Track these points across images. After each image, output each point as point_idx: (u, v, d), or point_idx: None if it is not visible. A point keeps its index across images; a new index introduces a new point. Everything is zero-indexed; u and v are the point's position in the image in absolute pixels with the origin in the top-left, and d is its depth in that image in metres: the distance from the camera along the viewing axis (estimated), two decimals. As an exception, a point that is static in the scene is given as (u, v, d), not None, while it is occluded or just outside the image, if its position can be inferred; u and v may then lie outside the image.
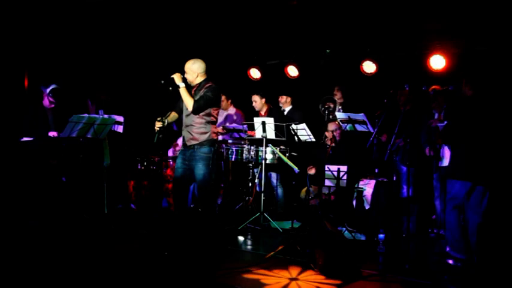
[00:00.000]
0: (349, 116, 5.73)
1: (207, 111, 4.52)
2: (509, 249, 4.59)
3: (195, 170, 4.50)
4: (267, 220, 5.70)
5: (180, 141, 7.24)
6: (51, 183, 5.66)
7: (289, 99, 6.93)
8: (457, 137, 4.37)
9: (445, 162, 5.05)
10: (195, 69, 4.58)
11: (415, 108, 5.64)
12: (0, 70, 6.25)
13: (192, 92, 4.57)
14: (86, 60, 7.23)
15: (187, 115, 4.58)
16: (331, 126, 5.94)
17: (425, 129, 5.34)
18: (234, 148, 6.11)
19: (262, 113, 6.52)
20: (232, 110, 7.26)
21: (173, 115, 4.73)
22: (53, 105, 5.84)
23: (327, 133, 5.99)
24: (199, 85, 4.58)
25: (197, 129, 4.52)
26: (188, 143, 4.55)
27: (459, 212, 4.34)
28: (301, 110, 6.89)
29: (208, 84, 4.56)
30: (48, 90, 5.81)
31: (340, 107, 6.67)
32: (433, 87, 5.25)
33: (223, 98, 7.20)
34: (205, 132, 4.53)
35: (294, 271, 4.02)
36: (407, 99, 5.53)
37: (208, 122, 4.55)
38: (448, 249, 4.48)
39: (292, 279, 3.83)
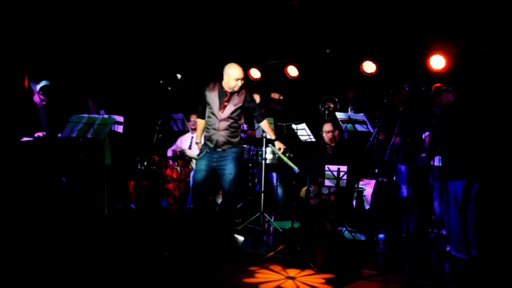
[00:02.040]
0: (349, 116, 5.73)
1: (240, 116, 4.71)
2: (509, 247, 4.59)
3: (226, 169, 4.55)
4: (267, 220, 5.70)
5: (180, 141, 7.25)
6: (51, 183, 5.65)
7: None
8: (443, 143, 4.45)
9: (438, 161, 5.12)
10: None
11: (414, 108, 5.64)
12: (0, 70, 6.25)
13: (227, 97, 4.60)
14: (86, 60, 7.23)
15: (222, 120, 4.59)
16: (326, 127, 5.94)
17: (423, 127, 5.36)
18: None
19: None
20: None
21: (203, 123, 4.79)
22: (44, 103, 5.74)
23: (324, 134, 5.99)
24: (238, 91, 4.65)
25: (232, 133, 4.62)
26: (223, 147, 4.60)
27: (462, 213, 4.37)
28: None
29: (248, 92, 4.70)
30: (38, 87, 5.71)
31: (352, 107, 6.67)
32: (436, 85, 5.25)
33: None
34: (238, 136, 4.70)
35: (293, 271, 4.02)
36: (404, 100, 5.53)
37: (239, 126, 4.73)
38: (448, 248, 4.51)
39: (291, 278, 3.83)
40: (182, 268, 4.08)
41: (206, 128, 4.68)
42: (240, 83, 4.57)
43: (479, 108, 4.43)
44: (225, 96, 4.57)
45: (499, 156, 4.61)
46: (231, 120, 4.57)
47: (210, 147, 4.61)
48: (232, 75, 4.54)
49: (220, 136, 4.57)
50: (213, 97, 4.59)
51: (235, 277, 3.82)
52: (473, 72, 4.64)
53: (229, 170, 4.54)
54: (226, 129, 4.57)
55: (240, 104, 4.60)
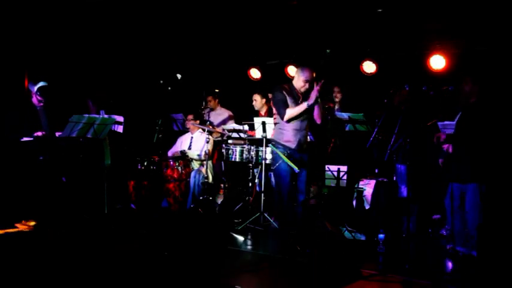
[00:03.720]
0: (349, 116, 5.73)
1: None
2: (509, 247, 4.59)
3: (302, 174, 4.73)
4: (267, 220, 5.70)
5: (180, 141, 7.25)
6: (51, 183, 5.64)
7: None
8: (468, 138, 4.44)
9: None
10: None
11: (414, 108, 5.64)
12: (0, 70, 6.24)
13: (301, 98, 4.71)
14: (86, 60, 7.23)
15: (304, 120, 4.71)
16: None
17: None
18: (234, 148, 6.11)
19: (262, 113, 6.53)
20: (221, 110, 7.29)
21: None
22: (41, 104, 5.72)
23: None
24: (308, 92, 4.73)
25: (307, 132, 4.83)
26: (304, 146, 4.76)
27: (463, 210, 4.41)
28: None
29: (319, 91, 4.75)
30: (35, 88, 5.70)
31: (338, 107, 6.67)
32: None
33: (210, 98, 7.25)
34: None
35: (293, 271, 4.02)
36: (404, 100, 5.53)
37: None
38: (448, 247, 4.52)
39: (290, 277, 3.83)
40: (182, 268, 4.08)
41: (283, 130, 4.73)
42: (308, 85, 4.67)
43: (496, 112, 4.44)
44: (299, 97, 4.70)
45: (506, 159, 4.63)
46: (308, 119, 4.73)
47: (291, 148, 4.68)
48: (302, 76, 4.67)
49: (303, 136, 4.73)
50: (291, 98, 4.70)
51: (235, 277, 3.82)
52: (473, 72, 4.64)
53: (304, 172, 4.72)
54: (304, 129, 4.74)
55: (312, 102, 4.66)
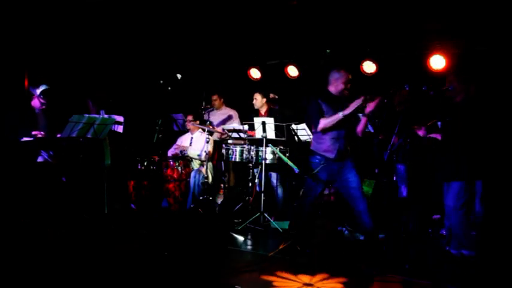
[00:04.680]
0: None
1: None
2: (509, 247, 4.59)
3: (351, 180, 4.43)
4: (267, 220, 5.70)
5: (180, 141, 7.25)
6: (51, 183, 5.65)
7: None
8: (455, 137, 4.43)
9: None
10: None
11: (415, 108, 5.64)
12: (0, 70, 6.25)
13: (341, 103, 4.49)
14: (85, 61, 7.23)
15: (341, 129, 4.44)
16: None
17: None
18: (234, 148, 6.11)
19: (262, 112, 6.52)
20: (226, 110, 7.29)
21: None
22: (43, 107, 5.73)
23: None
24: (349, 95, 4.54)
25: (350, 140, 4.51)
26: (345, 155, 4.47)
27: (468, 213, 4.41)
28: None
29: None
30: (38, 91, 5.70)
31: None
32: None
33: (216, 97, 7.25)
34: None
35: (294, 271, 4.02)
36: (404, 100, 5.53)
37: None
38: (448, 248, 4.51)
39: (290, 278, 3.83)
40: (182, 268, 4.08)
41: (321, 139, 4.50)
42: (348, 86, 4.50)
43: (488, 109, 4.43)
44: (338, 102, 4.48)
45: (502, 157, 4.63)
46: (348, 128, 4.48)
47: (329, 158, 4.43)
48: (342, 78, 4.52)
49: (343, 144, 4.45)
50: (328, 105, 4.48)
51: (235, 277, 3.82)
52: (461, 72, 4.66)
53: (354, 178, 4.44)
54: (346, 135, 4.47)
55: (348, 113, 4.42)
